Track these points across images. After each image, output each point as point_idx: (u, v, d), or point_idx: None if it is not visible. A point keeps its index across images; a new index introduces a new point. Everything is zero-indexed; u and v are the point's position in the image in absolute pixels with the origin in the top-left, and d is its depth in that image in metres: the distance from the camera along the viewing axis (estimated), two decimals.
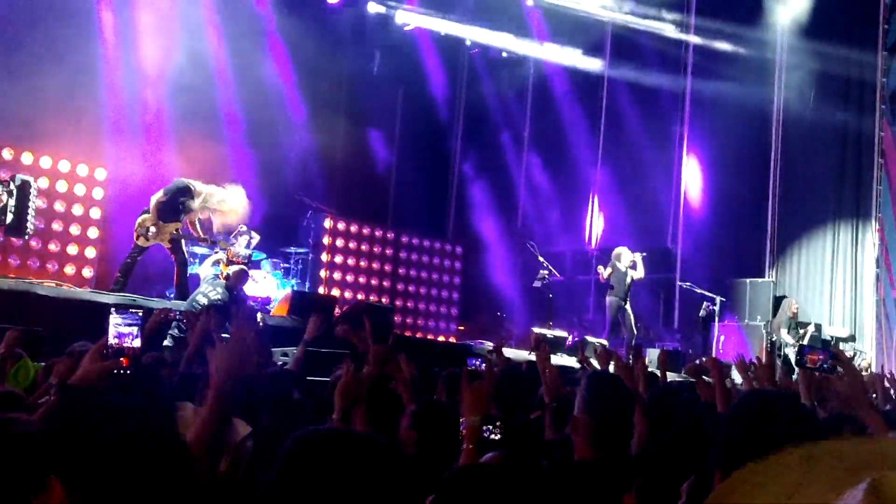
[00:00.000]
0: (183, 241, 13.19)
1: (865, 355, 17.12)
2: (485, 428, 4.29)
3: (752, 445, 2.59)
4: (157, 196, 12.92)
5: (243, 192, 13.67)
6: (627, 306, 16.75)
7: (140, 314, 4.65)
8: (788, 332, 17.54)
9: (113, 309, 4.52)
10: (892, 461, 0.99)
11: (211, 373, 3.09)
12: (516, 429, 4.96)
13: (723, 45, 20.40)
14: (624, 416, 4.40)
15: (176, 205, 12.98)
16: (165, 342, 10.12)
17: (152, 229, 12.82)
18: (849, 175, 18.76)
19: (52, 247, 15.40)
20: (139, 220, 12.89)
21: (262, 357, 7.48)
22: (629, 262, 16.81)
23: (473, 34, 22.84)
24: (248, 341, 3.08)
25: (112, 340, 4.29)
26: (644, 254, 17.27)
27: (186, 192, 13.02)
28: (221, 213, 13.24)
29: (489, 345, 14.42)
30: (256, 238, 15.69)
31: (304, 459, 2.33)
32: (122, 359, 4.04)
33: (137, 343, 4.49)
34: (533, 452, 4.03)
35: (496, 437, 4.32)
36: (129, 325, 4.54)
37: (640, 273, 16.98)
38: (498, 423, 4.40)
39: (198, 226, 13.31)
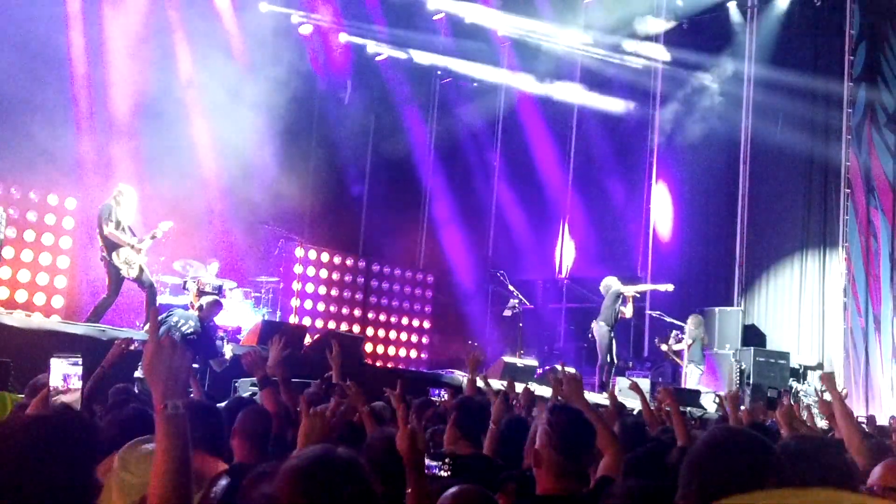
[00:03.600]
0: (146, 270, 13.10)
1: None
2: (434, 464, 4.24)
3: (711, 484, 2.63)
4: (107, 230, 12.78)
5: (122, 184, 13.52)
6: (612, 333, 16.86)
7: (80, 359, 4.72)
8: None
9: (53, 355, 4.59)
10: None
11: (154, 392, 2.71)
12: (464, 464, 4.90)
13: (691, 76, 20.57)
14: (587, 450, 4.43)
15: (118, 224, 12.91)
16: (137, 373, 10.08)
17: (136, 255, 12.76)
18: (816, 204, 18.90)
19: (22, 276, 15.35)
20: (116, 257, 12.76)
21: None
22: (618, 293, 16.86)
23: (444, 64, 22.97)
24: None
25: (58, 383, 4.33)
26: (638, 295, 17.52)
27: (111, 208, 12.95)
28: (122, 207, 13.12)
29: (459, 374, 14.43)
30: (215, 263, 15.69)
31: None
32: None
33: (78, 384, 4.54)
34: (487, 488, 3.99)
35: (445, 474, 4.25)
36: (72, 365, 4.59)
37: (629, 311, 17.15)
38: (447, 460, 4.33)
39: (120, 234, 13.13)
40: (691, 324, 17.84)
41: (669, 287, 17.41)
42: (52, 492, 2.67)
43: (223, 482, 3.66)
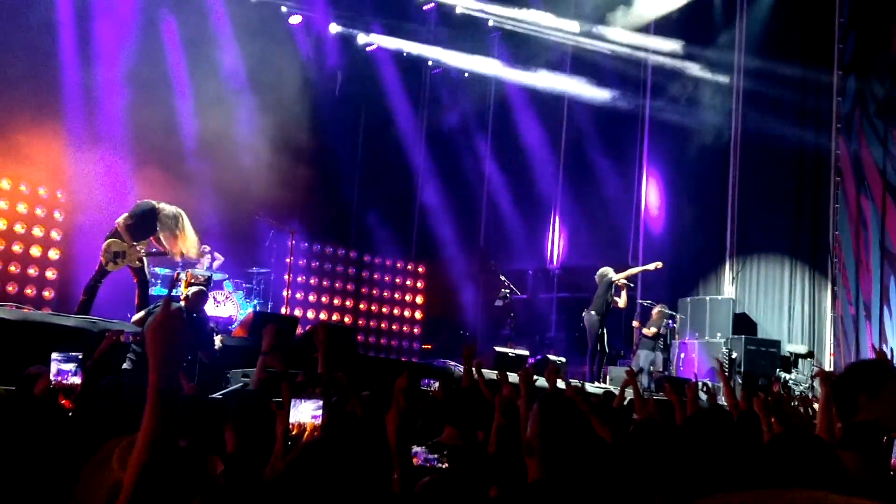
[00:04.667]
0: (146, 263, 13.06)
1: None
2: (432, 456, 4.26)
3: (689, 474, 2.64)
4: (123, 219, 12.70)
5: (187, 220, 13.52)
6: (603, 323, 16.87)
7: (80, 355, 4.78)
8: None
9: (54, 353, 4.64)
10: None
11: (151, 358, 2.63)
12: (462, 456, 4.91)
13: (681, 65, 20.59)
14: (578, 439, 4.44)
15: (142, 226, 12.81)
16: (124, 365, 10.08)
17: (127, 252, 12.66)
18: (806, 193, 18.94)
19: (13, 268, 15.33)
20: (106, 243, 12.68)
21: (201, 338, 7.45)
22: (610, 281, 16.87)
23: (435, 54, 22.95)
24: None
25: (54, 379, 4.38)
26: (631, 284, 17.55)
27: (152, 212, 12.87)
28: (181, 237, 13.09)
29: (450, 363, 14.44)
30: (220, 259, 15.67)
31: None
32: (64, 401, 4.11)
33: (77, 380, 4.57)
34: (477, 477, 4.00)
35: (444, 466, 4.26)
36: (69, 362, 4.64)
37: (622, 301, 17.18)
38: (445, 452, 4.34)
39: (163, 242, 13.14)
40: (658, 314, 17.95)
41: (658, 265, 17.44)
42: (29, 482, 2.68)
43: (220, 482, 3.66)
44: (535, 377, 6.49)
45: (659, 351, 17.80)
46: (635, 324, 18.40)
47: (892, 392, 4.44)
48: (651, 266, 17.60)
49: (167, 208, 13.03)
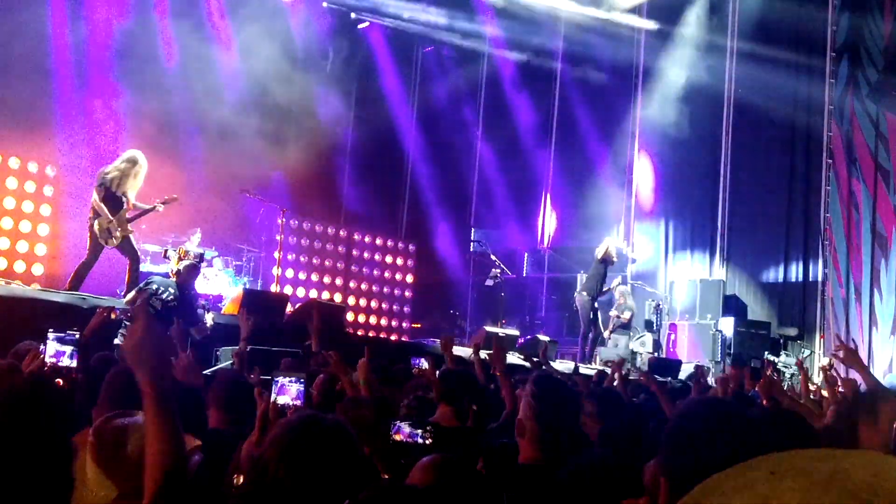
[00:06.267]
0: (133, 237, 13.00)
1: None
2: (415, 432, 4.26)
3: (695, 455, 2.62)
4: (94, 196, 12.64)
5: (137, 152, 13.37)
6: (596, 304, 16.89)
7: (77, 335, 4.74)
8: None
9: (51, 330, 4.61)
10: (857, 478, 1.00)
11: (141, 375, 2.61)
12: (446, 433, 4.90)
13: (674, 46, 20.56)
14: (570, 420, 4.45)
15: (112, 193, 12.75)
16: (116, 340, 10.05)
17: (116, 229, 12.60)
18: (798, 175, 18.97)
19: (2, 244, 15.28)
20: (97, 225, 12.61)
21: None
22: (603, 253, 16.86)
23: (427, 32, 22.87)
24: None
25: (49, 360, 4.36)
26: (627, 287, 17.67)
27: (99, 180, 12.81)
28: (137, 179, 13.04)
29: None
30: (197, 234, 15.65)
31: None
32: (58, 380, 4.09)
33: (71, 363, 4.55)
34: (468, 456, 3.98)
35: (427, 442, 4.26)
36: (65, 344, 4.62)
37: (626, 315, 17.39)
38: (429, 428, 4.34)
39: (134, 202, 13.05)
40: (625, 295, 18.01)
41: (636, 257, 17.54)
42: (27, 456, 2.67)
43: (196, 458, 3.63)
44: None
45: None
46: (613, 313, 18.25)
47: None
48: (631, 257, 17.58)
49: (119, 166, 12.96)
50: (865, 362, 16.69)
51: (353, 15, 22.02)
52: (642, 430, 4.95)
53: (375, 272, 20.35)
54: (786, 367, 16.39)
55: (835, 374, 7.20)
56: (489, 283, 19.02)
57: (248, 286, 16.72)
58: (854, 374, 6.82)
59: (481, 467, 4.22)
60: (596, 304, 16.82)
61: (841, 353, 6.59)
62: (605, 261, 16.85)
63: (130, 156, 13.12)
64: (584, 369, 12.51)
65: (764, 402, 6.30)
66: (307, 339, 8.92)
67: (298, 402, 4.20)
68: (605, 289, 17.16)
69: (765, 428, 3.12)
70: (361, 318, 20.00)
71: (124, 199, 12.85)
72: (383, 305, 20.53)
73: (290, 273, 18.59)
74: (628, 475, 3.58)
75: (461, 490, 3.13)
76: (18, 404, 2.89)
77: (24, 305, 10.59)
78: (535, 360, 9.89)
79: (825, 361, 15.58)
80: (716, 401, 3.76)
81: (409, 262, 21.09)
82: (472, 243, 22.68)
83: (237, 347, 7.94)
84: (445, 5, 22.28)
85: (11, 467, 2.61)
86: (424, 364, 7.58)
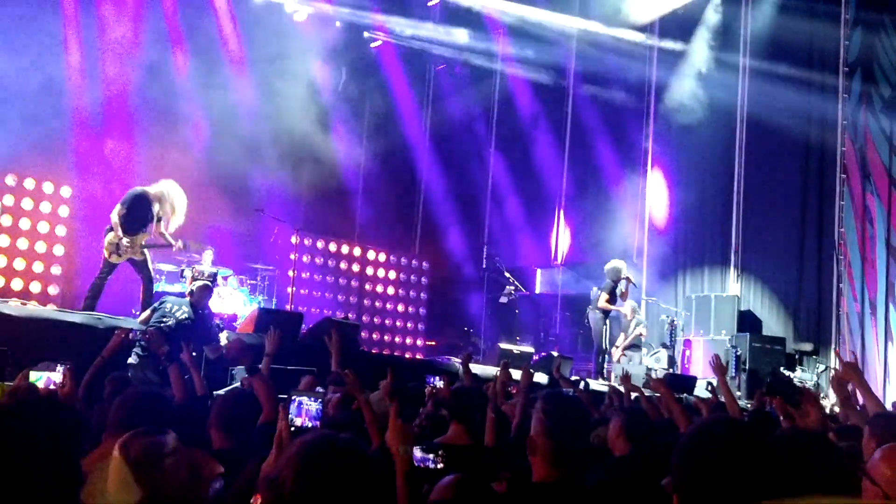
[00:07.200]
0: (149, 258, 13.02)
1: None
2: (426, 457, 4.22)
3: (707, 475, 2.62)
4: (116, 211, 12.62)
5: (177, 185, 13.36)
6: (608, 321, 16.88)
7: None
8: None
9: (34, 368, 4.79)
10: None
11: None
12: (459, 455, 4.85)
13: (686, 63, 20.56)
14: (582, 437, 4.45)
15: (138, 215, 12.74)
16: (130, 360, 10.10)
17: (125, 243, 12.57)
18: (812, 191, 18.91)
19: (18, 264, 15.35)
20: (107, 239, 12.63)
21: None
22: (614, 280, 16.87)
23: (439, 50, 22.94)
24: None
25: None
26: (634, 284, 17.55)
27: (144, 199, 12.78)
28: (174, 214, 13.04)
29: (455, 360, 14.42)
30: (210, 252, 15.68)
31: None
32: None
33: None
34: (483, 478, 3.96)
35: (440, 466, 4.21)
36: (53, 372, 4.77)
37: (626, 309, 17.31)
38: (440, 452, 4.30)
39: (163, 231, 13.08)
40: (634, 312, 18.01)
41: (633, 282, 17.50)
42: (35, 478, 2.70)
43: (217, 485, 3.62)
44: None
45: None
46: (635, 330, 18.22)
47: None
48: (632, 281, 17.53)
49: (157, 190, 12.96)
50: (881, 378, 16.71)
51: (365, 34, 22.11)
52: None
53: (389, 290, 20.37)
54: (801, 382, 16.32)
55: (848, 390, 7.12)
56: (503, 300, 19.03)
57: (262, 305, 16.75)
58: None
59: (504, 488, 4.21)
60: (607, 321, 16.80)
61: (840, 368, 6.53)
62: (615, 280, 16.87)
63: (169, 187, 13.10)
64: (596, 385, 12.51)
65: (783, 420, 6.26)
66: (323, 358, 8.91)
67: (317, 424, 4.21)
68: (614, 305, 17.12)
69: (781, 451, 3.10)
70: (375, 336, 20.02)
71: (151, 223, 12.85)
72: (397, 323, 20.55)
73: (304, 291, 18.63)
74: (653, 490, 3.57)
75: None
76: (32, 426, 2.92)
77: (40, 326, 10.62)
78: (571, 379, 9.89)
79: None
80: (730, 421, 3.75)
81: (423, 280, 21.11)
82: (484, 259, 22.70)
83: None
84: (458, 23, 22.35)
85: (22, 487, 2.64)
86: (439, 383, 7.54)
